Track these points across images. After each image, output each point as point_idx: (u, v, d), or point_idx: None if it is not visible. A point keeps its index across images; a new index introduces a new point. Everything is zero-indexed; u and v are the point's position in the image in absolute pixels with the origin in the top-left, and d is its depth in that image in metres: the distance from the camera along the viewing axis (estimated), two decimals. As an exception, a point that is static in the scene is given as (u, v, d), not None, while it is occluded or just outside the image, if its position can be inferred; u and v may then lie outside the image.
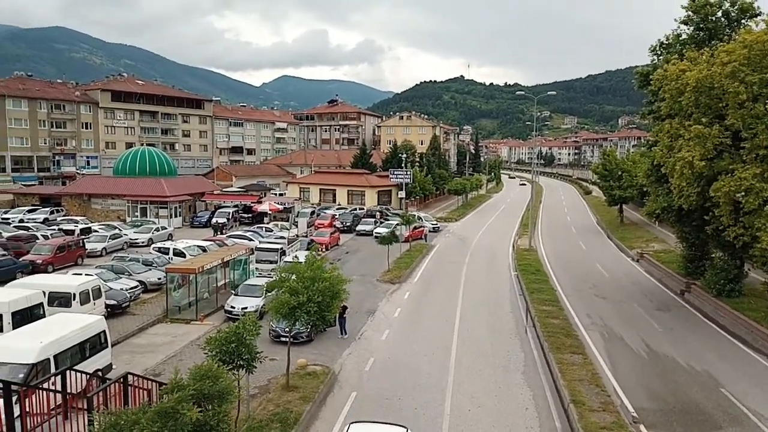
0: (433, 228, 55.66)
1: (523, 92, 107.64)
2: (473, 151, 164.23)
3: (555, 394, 17.73)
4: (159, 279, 29.03)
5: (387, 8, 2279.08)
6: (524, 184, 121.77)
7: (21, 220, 47.81)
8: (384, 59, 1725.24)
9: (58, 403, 11.98)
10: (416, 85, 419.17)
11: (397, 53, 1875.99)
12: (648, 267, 38.87)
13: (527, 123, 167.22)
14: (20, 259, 31.44)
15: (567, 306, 28.42)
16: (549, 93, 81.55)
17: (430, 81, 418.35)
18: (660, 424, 15.80)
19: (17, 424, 10.64)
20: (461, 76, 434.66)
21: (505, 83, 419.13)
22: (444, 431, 15.23)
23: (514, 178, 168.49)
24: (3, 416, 10.36)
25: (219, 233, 46.31)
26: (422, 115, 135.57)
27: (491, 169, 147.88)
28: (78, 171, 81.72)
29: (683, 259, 33.85)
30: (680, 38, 30.28)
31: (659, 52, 31.35)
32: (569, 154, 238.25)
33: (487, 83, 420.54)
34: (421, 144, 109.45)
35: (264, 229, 46.91)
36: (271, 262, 32.63)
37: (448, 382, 18.54)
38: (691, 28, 29.73)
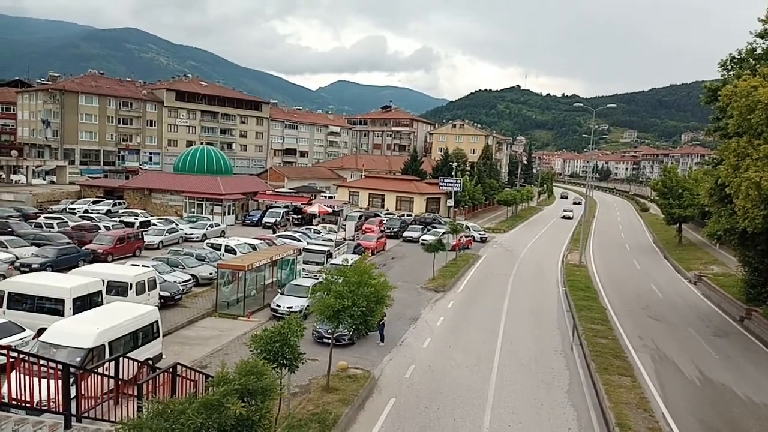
0: (481, 238, 55.05)
1: (581, 104, 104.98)
2: (526, 162, 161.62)
3: (600, 416, 17.17)
4: (210, 274, 29.93)
5: (446, 17, 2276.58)
6: (568, 217, 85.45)
7: (86, 211, 50.27)
8: (440, 67, 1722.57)
9: (110, 388, 12.52)
10: (471, 93, 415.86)
11: (454, 61, 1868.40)
12: (706, 290, 37.12)
13: (584, 135, 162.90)
14: (83, 248, 33.05)
15: (617, 326, 27.49)
16: (609, 105, 79.34)
17: (485, 90, 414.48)
18: (711, 457, 15.06)
19: (73, 404, 11.18)
20: (517, 85, 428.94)
21: (563, 94, 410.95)
22: (482, 445, 15.02)
23: (566, 197, 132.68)
24: (61, 396, 10.92)
25: (278, 230, 47.73)
26: (475, 124, 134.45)
27: (543, 181, 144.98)
28: (141, 166, 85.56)
29: (744, 284, 32.18)
30: (755, 53, 28.86)
31: (730, 67, 29.97)
32: (627, 169, 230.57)
33: (544, 94, 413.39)
34: (473, 153, 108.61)
35: (312, 230, 47.62)
36: (317, 264, 33.11)
37: (488, 396, 18.26)
38: (767, 42, 28.29)
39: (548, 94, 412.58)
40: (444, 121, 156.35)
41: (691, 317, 30.72)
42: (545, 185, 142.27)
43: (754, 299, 30.40)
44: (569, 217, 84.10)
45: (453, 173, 74.86)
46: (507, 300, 32.16)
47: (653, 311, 31.40)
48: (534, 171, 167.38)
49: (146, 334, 17.10)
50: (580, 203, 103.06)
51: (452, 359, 21.61)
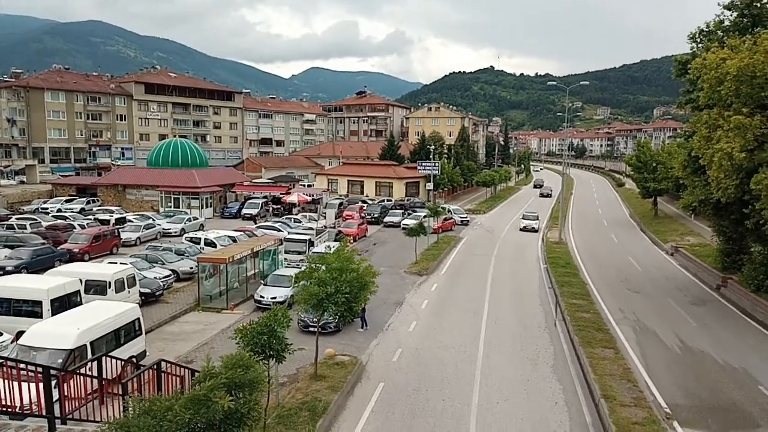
0: (462, 221, 55.05)
1: (554, 82, 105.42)
2: (502, 143, 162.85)
3: (585, 389, 17.48)
4: (191, 268, 29.60)
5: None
6: (532, 229, 51.59)
7: (59, 210, 49.23)
8: (413, 50, 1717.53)
9: (94, 388, 12.32)
10: (445, 76, 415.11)
11: (427, 44, 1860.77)
12: (683, 261, 37.91)
13: (558, 114, 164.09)
14: (58, 248, 32.39)
15: (598, 300, 27.95)
16: (581, 83, 79.16)
17: (460, 72, 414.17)
18: (694, 421, 15.44)
19: (56, 407, 10.97)
20: (491, 66, 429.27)
21: (536, 74, 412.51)
22: (472, 424, 15.16)
23: (540, 186, 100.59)
24: (43, 400, 10.70)
25: (258, 221, 47.99)
26: (451, 107, 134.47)
27: (521, 161, 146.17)
28: (113, 162, 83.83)
29: (720, 253, 32.93)
30: (722, 24, 29.27)
31: (699, 40, 30.36)
32: (601, 145, 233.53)
33: (518, 74, 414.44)
34: (450, 135, 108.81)
35: (292, 220, 47.32)
36: (299, 253, 32.95)
37: (475, 375, 18.45)
38: (735, 13, 28.69)
39: (522, 74, 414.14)
40: (419, 104, 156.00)
41: (670, 288, 31.37)
42: (522, 165, 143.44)
43: (729, 267, 31.17)
44: (534, 229, 51.71)
45: (431, 156, 74.92)
46: (489, 280, 32.43)
47: (633, 284, 31.99)
48: (511, 151, 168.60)
49: (128, 331, 16.84)
50: (549, 195, 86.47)
51: (438, 341, 21.76)
